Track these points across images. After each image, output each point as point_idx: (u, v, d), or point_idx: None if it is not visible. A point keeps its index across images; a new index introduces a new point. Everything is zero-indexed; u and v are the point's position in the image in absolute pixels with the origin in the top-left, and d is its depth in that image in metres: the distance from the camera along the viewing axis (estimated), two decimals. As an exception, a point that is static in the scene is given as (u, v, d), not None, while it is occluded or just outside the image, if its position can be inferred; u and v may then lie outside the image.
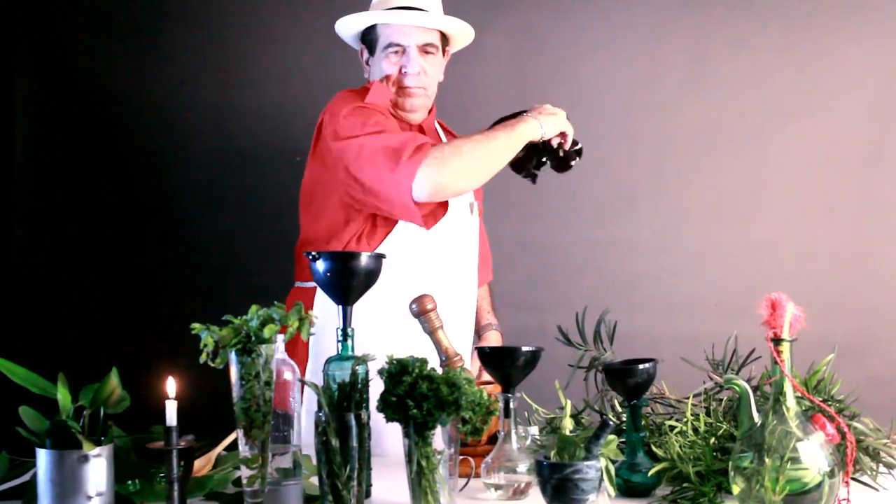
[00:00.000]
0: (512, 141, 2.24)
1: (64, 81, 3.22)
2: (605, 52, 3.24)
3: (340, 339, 1.76)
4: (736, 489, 1.59)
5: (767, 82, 3.21)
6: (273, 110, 3.17)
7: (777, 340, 1.59)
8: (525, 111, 2.34)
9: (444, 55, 2.49)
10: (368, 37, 2.43)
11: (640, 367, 1.79)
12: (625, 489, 1.76)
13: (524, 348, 1.84)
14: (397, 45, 2.37)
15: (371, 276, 1.79)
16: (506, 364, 1.84)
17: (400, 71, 2.38)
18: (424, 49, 2.39)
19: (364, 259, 1.76)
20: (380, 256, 1.81)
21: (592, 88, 3.24)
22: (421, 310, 2.00)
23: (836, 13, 3.20)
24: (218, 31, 3.22)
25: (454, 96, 3.07)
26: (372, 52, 2.43)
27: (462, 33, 2.49)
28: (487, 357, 1.86)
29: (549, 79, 3.25)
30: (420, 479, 1.54)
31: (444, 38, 2.48)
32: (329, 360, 1.71)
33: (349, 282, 1.76)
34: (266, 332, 1.53)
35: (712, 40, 3.22)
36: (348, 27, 2.46)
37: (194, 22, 3.22)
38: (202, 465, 1.78)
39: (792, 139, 3.21)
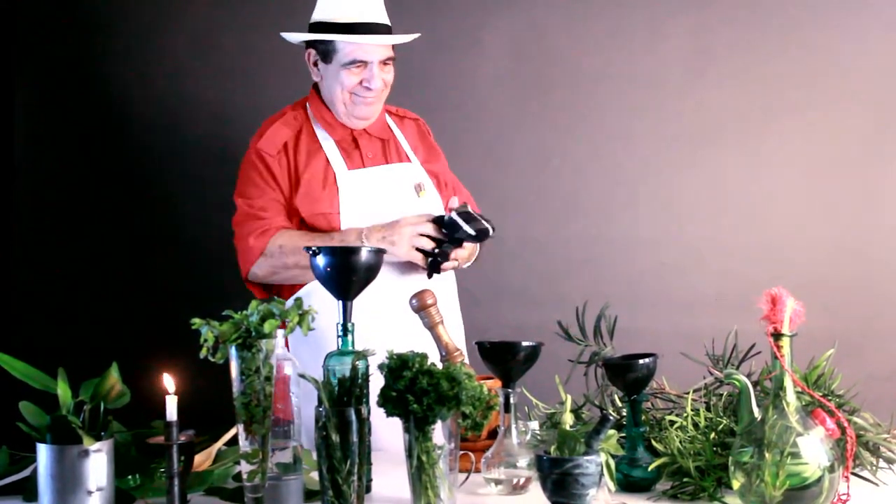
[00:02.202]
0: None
1: (63, 81, 3.22)
2: (606, 48, 3.23)
3: (341, 334, 1.76)
4: (736, 484, 1.59)
5: (769, 77, 3.20)
6: (272, 109, 3.17)
7: (777, 335, 1.59)
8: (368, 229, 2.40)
9: None
10: (322, 45, 2.44)
11: (640, 362, 1.79)
12: (625, 484, 1.76)
13: (524, 343, 1.84)
14: (360, 61, 2.41)
15: (371, 271, 1.79)
16: (506, 359, 1.84)
17: (360, 83, 2.43)
18: (384, 62, 2.44)
19: (364, 254, 1.76)
20: (380, 251, 1.81)
21: (593, 84, 3.24)
22: (421, 305, 2.01)
23: (838, 9, 3.20)
24: (217, 31, 3.21)
25: (454, 95, 3.08)
26: (327, 60, 2.45)
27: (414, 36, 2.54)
28: (488, 352, 1.86)
29: (550, 76, 3.24)
30: (420, 473, 1.54)
31: None
32: (329, 356, 1.71)
33: (349, 277, 1.76)
34: (266, 328, 1.53)
35: (713, 37, 3.22)
36: (297, 38, 2.49)
37: (193, 21, 3.22)
38: (202, 460, 1.79)
39: (793, 135, 3.21)
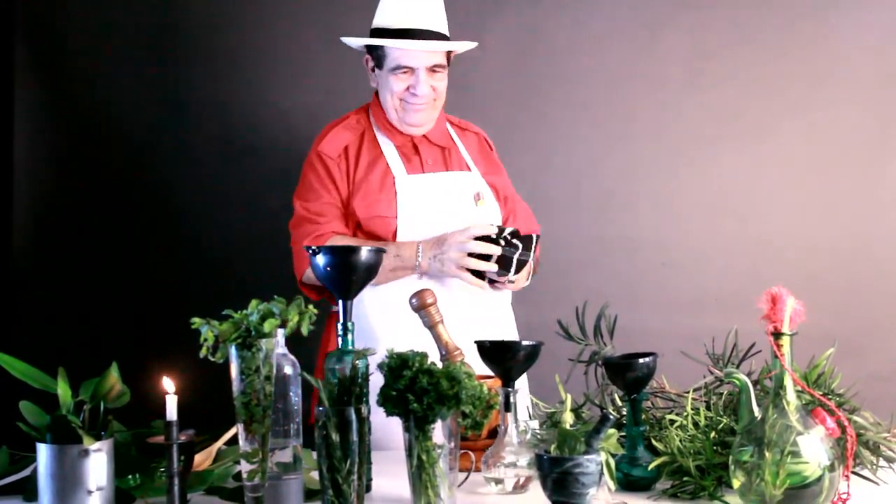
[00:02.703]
0: (390, 262, 2.34)
1: (64, 80, 3.21)
2: (606, 48, 3.23)
3: (340, 333, 1.76)
4: (736, 483, 1.59)
5: (769, 77, 3.20)
6: (274, 109, 3.17)
7: (777, 335, 1.59)
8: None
9: (449, 63, 2.52)
10: (376, 51, 2.46)
11: (640, 361, 1.79)
12: (625, 483, 1.76)
13: (524, 342, 1.84)
14: (406, 67, 2.41)
15: (371, 270, 1.79)
16: (506, 358, 1.84)
17: (408, 89, 2.43)
18: (432, 69, 2.44)
19: (364, 254, 1.76)
20: (380, 251, 1.81)
21: (592, 84, 3.24)
22: (421, 304, 2.01)
23: (838, 9, 3.20)
24: (220, 30, 3.21)
25: (454, 96, 3.07)
26: (379, 65, 2.47)
27: (466, 46, 2.54)
28: (487, 351, 1.86)
29: (549, 76, 3.24)
30: (420, 473, 1.54)
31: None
32: (329, 355, 1.71)
33: (349, 276, 1.76)
34: (266, 327, 1.53)
35: (713, 36, 3.22)
36: (355, 43, 2.52)
37: (196, 21, 3.22)
38: (202, 460, 1.79)
39: (793, 135, 3.21)
